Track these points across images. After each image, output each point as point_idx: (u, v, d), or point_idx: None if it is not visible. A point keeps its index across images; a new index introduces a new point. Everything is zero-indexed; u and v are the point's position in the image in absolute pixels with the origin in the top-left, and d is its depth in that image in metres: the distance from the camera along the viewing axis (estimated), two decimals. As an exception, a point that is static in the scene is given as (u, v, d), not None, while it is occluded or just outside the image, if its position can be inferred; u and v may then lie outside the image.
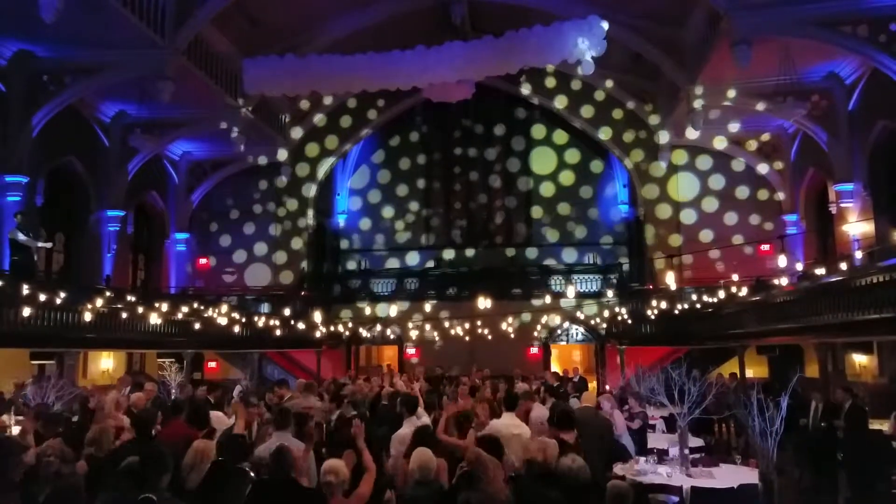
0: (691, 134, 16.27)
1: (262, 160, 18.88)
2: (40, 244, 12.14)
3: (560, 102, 20.09)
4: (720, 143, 17.69)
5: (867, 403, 10.33)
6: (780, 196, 18.14)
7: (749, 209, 18.65)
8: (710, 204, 18.95)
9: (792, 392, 6.39)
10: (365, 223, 23.12)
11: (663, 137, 18.49)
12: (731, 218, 18.73)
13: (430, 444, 5.11)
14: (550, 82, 19.88)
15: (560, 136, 22.42)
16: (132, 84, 13.84)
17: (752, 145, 17.89)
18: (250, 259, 20.36)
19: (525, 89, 20.06)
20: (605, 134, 19.92)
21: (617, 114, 19.76)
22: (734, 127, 15.89)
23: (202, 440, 4.84)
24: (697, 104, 14.97)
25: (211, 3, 13.31)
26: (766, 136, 17.60)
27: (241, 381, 14.69)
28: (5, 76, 12.79)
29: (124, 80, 13.64)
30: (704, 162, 19.08)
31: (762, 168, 18.11)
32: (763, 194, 18.54)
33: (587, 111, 19.96)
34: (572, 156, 22.46)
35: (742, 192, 18.74)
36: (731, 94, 14.60)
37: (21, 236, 11.63)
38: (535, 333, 19.34)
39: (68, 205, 15.57)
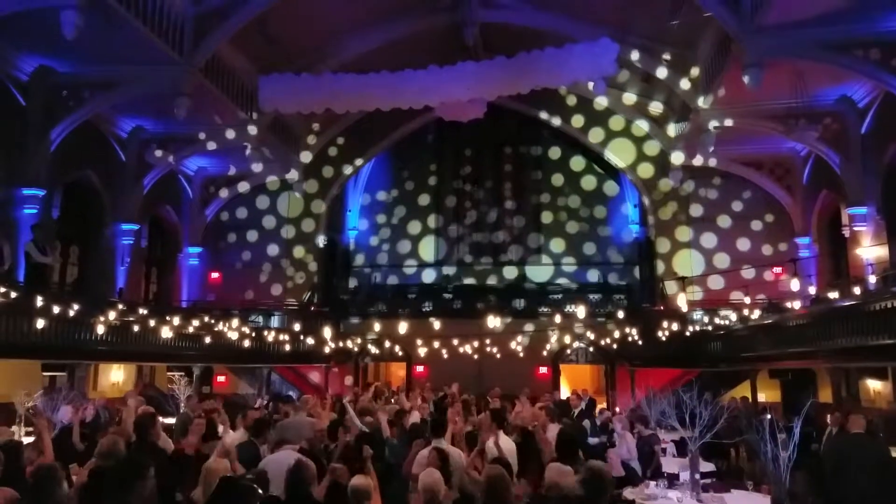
0: (702, 155, 16.27)
1: (276, 176, 19.06)
2: (47, 260, 12.19)
3: (572, 122, 20.16)
4: (731, 164, 17.65)
5: (881, 430, 10.19)
6: (793, 218, 18.04)
7: (761, 231, 18.56)
8: (724, 223, 18.88)
9: (805, 417, 6.32)
10: (375, 240, 23.20)
11: (675, 158, 18.49)
12: (742, 242, 18.63)
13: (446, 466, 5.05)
14: (562, 101, 19.97)
15: (571, 155, 22.48)
16: (149, 100, 14.04)
17: (763, 167, 17.85)
18: (262, 274, 20.46)
19: (536, 108, 20.15)
20: (615, 154, 19.94)
21: (628, 133, 19.80)
22: (746, 149, 15.78)
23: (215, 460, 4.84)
24: (708, 126, 14.98)
25: (229, 23, 13.48)
26: (777, 159, 17.58)
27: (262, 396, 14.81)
28: (26, 90, 13.01)
29: (142, 95, 13.82)
30: (716, 184, 19.02)
31: (774, 190, 18.05)
32: (775, 216, 18.45)
33: (597, 131, 20.00)
34: (583, 175, 22.52)
35: (754, 214, 18.66)
36: (743, 116, 14.62)
37: (34, 252, 11.75)
38: (545, 353, 19.23)
39: (83, 218, 15.70)
